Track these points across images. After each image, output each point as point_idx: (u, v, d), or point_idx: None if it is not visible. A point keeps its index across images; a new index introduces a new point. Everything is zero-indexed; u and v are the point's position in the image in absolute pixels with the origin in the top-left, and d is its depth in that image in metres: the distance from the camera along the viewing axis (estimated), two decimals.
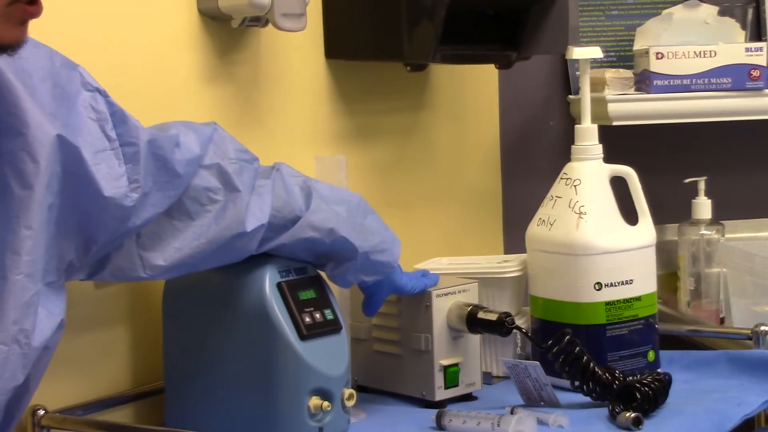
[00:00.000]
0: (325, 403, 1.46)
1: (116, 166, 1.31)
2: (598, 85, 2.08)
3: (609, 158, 1.78)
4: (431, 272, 1.69)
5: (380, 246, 1.53)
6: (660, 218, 1.85)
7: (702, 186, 2.11)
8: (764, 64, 2.09)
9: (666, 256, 2.12)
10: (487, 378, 1.76)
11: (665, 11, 2.17)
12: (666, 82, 2.08)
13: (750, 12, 2.23)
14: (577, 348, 1.63)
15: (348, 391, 1.48)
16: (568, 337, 1.64)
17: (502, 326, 1.64)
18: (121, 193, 1.30)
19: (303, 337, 1.46)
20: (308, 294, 1.50)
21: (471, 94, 2.12)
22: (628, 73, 2.12)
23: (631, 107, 2.09)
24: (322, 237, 1.48)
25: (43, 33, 1.51)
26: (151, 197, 1.35)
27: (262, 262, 1.49)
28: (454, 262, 1.86)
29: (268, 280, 1.47)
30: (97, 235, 1.31)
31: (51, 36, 1.51)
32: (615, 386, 1.61)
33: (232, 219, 1.41)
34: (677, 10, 2.15)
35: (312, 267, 1.53)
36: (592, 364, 1.62)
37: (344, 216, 1.50)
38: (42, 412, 1.48)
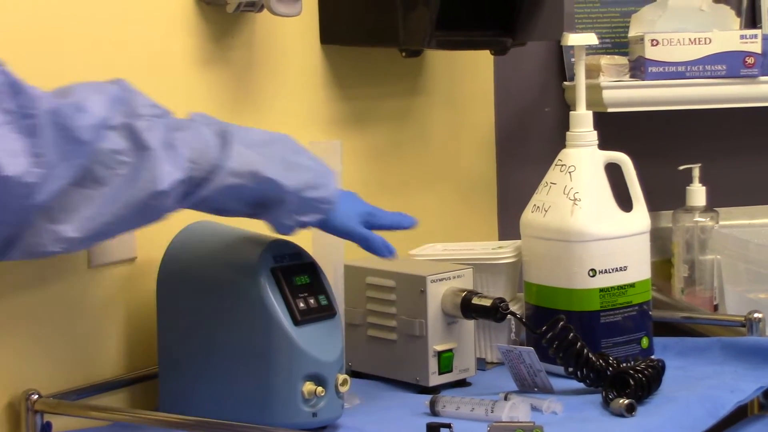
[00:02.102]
0: (319, 389, 1.46)
1: (14, 141, 1.24)
2: (593, 72, 2.08)
3: (604, 145, 1.78)
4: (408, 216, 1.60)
5: (313, 182, 1.45)
6: (654, 205, 1.85)
7: (696, 173, 2.11)
8: (759, 52, 2.09)
9: (660, 243, 2.12)
10: (481, 364, 1.76)
11: None
12: (661, 69, 2.08)
13: None
14: (571, 334, 1.63)
15: (342, 377, 1.48)
16: (562, 323, 1.64)
17: (496, 312, 1.64)
18: (22, 170, 1.24)
19: (297, 323, 1.46)
20: (303, 279, 1.49)
21: (466, 80, 2.12)
22: (623, 60, 2.12)
23: (626, 94, 2.09)
24: (245, 182, 1.41)
25: (38, 15, 1.51)
26: (57, 169, 1.28)
27: (257, 248, 1.49)
28: (449, 247, 1.86)
29: (263, 265, 1.47)
30: (1, 216, 1.25)
31: (44, 18, 1.51)
32: (609, 373, 1.61)
33: (146, 179, 1.34)
34: None
35: (307, 253, 1.53)
36: (585, 351, 1.62)
37: (269, 156, 1.43)
38: (36, 396, 1.47)
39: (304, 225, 1.47)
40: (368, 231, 1.52)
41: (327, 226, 1.49)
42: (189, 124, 1.40)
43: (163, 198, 1.35)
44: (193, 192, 1.38)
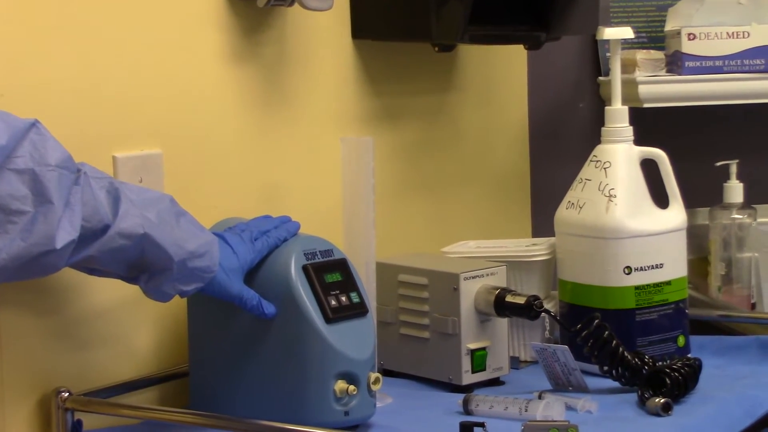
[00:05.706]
0: (351, 387, 1.45)
1: None
2: (628, 67, 2.06)
3: (639, 140, 1.77)
4: (291, 220, 1.54)
5: (198, 250, 1.40)
6: (691, 202, 1.84)
7: (734, 169, 2.09)
8: None
9: (697, 240, 2.10)
10: (515, 362, 1.75)
11: None
12: (698, 64, 2.06)
13: None
14: (606, 332, 1.62)
15: (374, 375, 1.47)
16: (597, 321, 1.62)
17: (530, 310, 1.63)
18: None
19: (329, 320, 1.45)
20: (334, 277, 1.49)
21: (499, 76, 2.11)
22: (659, 55, 2.10)
23: (663, 89, 2.07)
24: (133, 244, 1.35)
25: (66, 13, 1.50)
26: None
27: (288, 245, 1.48)
28: (482, 245, 1.85)
29: (294, 262, 1.47)
30: None
31: (73, 15, 1.50)
32: (644, 371, 1.60)
33: (41, 234, 1.26)
34: None
35: (339, 250, 1.52)
36: (621, 349, 1.61)
37: (155, 221, 1.37)
38: (66, 394, 1.47)
39: (183, 294, 1.42)
40: (246, 291, 1.46)
41: (205, 290, 1.43)
42: (83, 178, 1.32)
43: (54, 257, 1.29)
44: (79, 250, 1.32)
